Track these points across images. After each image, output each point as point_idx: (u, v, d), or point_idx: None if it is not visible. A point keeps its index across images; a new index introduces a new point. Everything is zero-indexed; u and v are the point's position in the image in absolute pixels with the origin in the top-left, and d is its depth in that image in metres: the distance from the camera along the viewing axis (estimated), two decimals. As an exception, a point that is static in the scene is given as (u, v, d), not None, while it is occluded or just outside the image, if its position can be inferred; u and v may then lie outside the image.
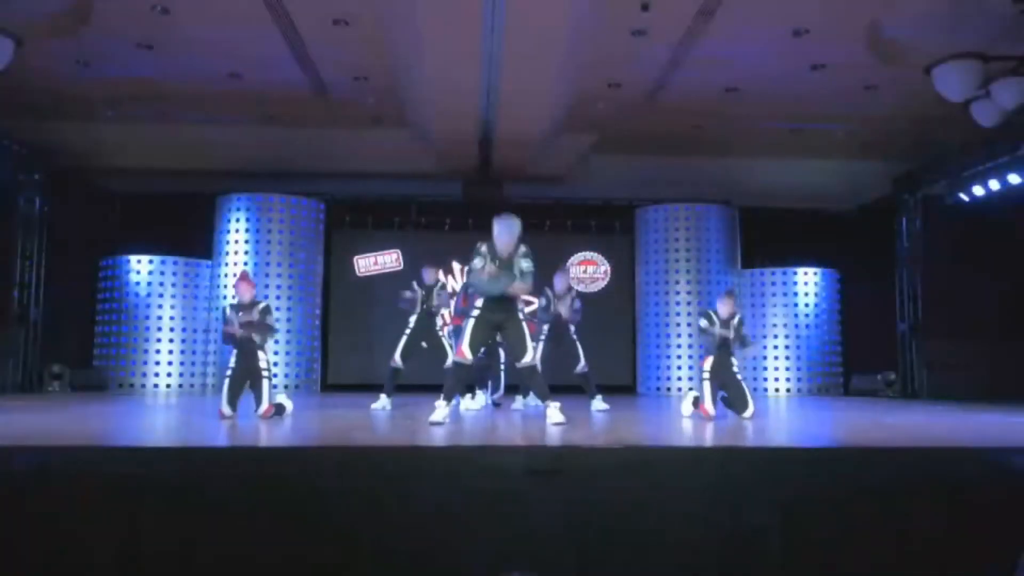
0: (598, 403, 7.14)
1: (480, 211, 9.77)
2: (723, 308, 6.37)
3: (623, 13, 8.13)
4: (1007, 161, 9.49)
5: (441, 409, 5.33)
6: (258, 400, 5.86)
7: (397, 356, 7.35)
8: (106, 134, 11.58)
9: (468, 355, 5.42)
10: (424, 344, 7.45)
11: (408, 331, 7.42)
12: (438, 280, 7.74)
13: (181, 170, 12.31)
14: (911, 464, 3.96)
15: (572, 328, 7.41)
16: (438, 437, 4.75)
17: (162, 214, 12.12)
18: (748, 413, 6.10)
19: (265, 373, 5.82)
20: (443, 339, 7.48)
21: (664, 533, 3.59)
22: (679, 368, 11.95)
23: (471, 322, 5.47)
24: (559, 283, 7.48)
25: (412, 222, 12.57)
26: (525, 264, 5.34)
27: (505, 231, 5.33)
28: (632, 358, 12.55)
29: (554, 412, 5.36)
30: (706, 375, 6.23)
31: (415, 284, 7.57)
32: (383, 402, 7.18)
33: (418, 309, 7.45)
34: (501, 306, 5.42)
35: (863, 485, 3.78)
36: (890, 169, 11.77)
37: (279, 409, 5.99)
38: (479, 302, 5.50)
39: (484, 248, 5.36)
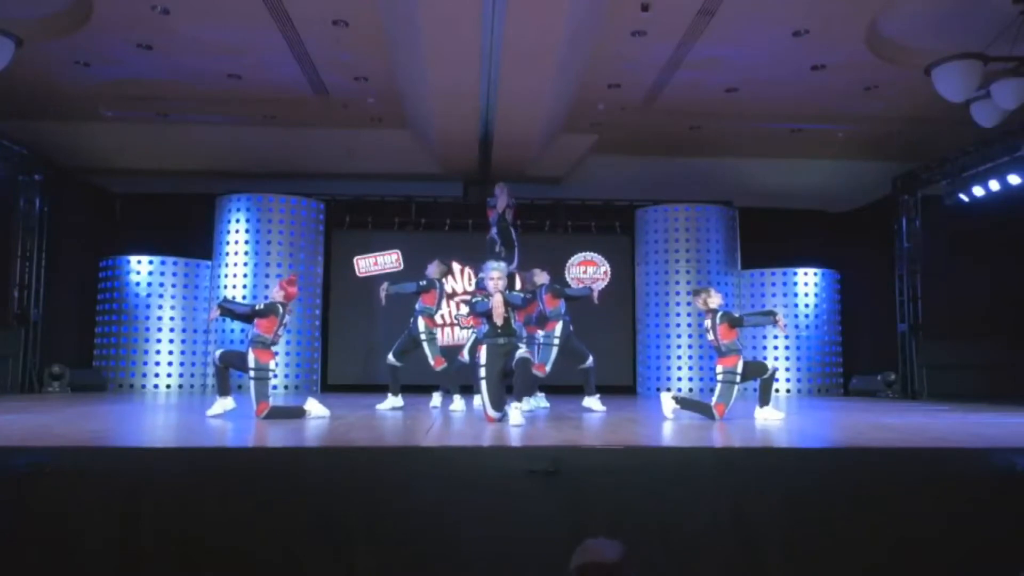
0: (594, 402, 7.13)
1: (480, 211, 9.75)
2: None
3: (623, 13, 8.13)
4: (1007, 161, 9.48)
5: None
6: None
7: (391, 355, 7.34)
8: (106, 134, 11.57)
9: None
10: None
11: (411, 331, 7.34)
12: (444, 275, 7.63)
13: (181, 170, 12.32)
14: (911, 464, 3.96)
15: (571, 328, 7.43)
16: (438, 437, 4.74)
17: (162, 214, 12.14)
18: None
19: (252, 373, 5.80)
20: (423, 341, 7.26)
21: (664, 533, 3.59)
22: (679, 368, 11.95)
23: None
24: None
25: (412, 222, 12.58)
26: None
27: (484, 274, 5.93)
28: (632, 358, 12.55)
29: (516, 414, 5.39)
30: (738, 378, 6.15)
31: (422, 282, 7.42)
32: (392, 402, 7.14)
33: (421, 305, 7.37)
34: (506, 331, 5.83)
35: (863, 485, 3.78)
36: (890, 169, 11.76)
37: (296, 412, 5.95)
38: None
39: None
